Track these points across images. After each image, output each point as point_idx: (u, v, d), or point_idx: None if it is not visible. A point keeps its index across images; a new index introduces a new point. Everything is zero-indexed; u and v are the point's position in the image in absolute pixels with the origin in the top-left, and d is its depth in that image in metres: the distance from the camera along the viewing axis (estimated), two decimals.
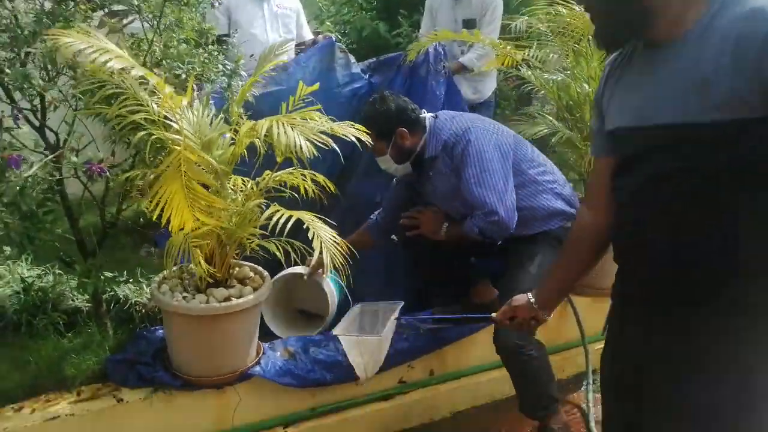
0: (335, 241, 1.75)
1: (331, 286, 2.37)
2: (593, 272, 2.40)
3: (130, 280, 2.17)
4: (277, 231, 1.71)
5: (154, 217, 1.49)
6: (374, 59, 2.90)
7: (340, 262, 1.72)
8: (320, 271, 2.32)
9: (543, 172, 2.26)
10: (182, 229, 1.60)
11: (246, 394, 1.99)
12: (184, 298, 1.86)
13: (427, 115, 2.27)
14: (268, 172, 1.86)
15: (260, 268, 2.06)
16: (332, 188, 1.88)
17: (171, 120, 1.53)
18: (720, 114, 0.97)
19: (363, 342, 1.87)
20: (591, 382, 2.51)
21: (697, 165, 1.04)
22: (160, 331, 2.06)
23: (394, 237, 2.59)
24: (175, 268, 1.87)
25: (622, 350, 1.27)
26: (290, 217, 1.71)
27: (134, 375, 1.89)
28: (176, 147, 1.54)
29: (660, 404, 1.15)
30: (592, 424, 2.28)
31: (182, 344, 1.90)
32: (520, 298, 1.53)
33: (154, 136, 1.50)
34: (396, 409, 2.25)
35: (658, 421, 1.16)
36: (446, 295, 2.40)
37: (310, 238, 1.68)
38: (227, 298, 1.87)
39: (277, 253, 1.88)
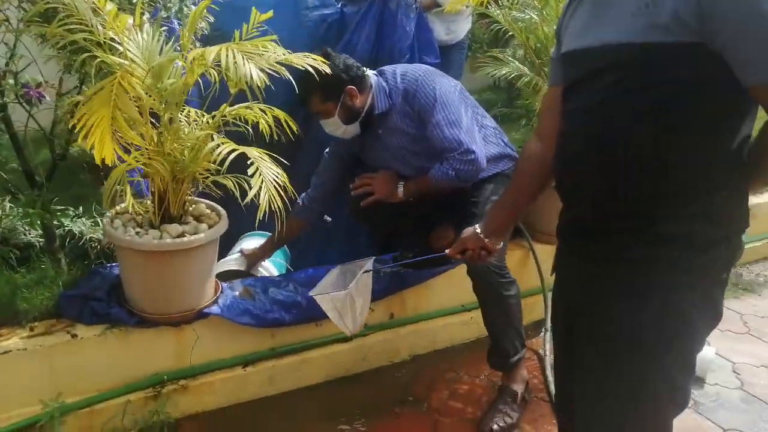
0: (278, 182, 1.68)
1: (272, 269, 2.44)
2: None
3: (84, 216, 2.11)
4: (224, 166, 1.65)
5: (80, 144, 1.41)
6: None
7: (277, 206, 1.66)
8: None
9: (485, 116, 2.29)
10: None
11: (204, 333, 1.98)
12: (137, 233, 1.81)
13: (369, 73, 2.19)
14: (224, 105, 1.79)
15: (217, 206, 2.01)
16: (293, 126, 1.83)
17: (117, 42, 1.45)
18: (662, 36, 0.97)
19: (335, 299, 1.82)
20: (548, 328, 2.55)
21: (639, 85, 1.03)
22: (116, 268, 2.02)
23: (327, 218, 2.58)
24: (127, 203, 1.81)
25: (560, 288, 1.27)
26: (233, 150, 1.65)
27: (88, 311, 1.86)
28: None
29: (586, 336, 1.17)
30: (549, 370, 2.32)
31: (136, 281, 1.87)
32: (467, 230, 1.56)
33: (98, 60, 1.42)
34: (356, 351, 2.26)
35: (585, 355, 1.17)
36: (407, 244, 2.39)
37: (250, 174, 1.61)
38: (181, 235, 1.83)
39: (233, 189, 1.83)
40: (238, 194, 1.77)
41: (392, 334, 2.34)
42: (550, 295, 2.57)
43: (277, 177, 1.63)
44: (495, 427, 1.98)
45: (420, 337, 2.40)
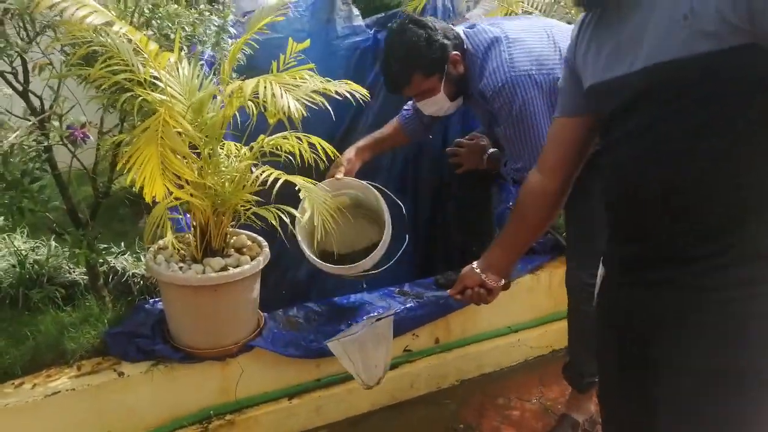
0: (327, 205, 1.68)
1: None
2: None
3: (126, 252, 2.12)
4: (272, 197, 1.64)
5: (127, 182, 1.42)
6: (382, 14, 2.79)
7: (331, 226, 1.65)
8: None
9: None
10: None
11: (248, 366, 1.95)
12: (180, 268, 1.80)
13: (459, 28, 1.88)
14: (262, 136, 1.78)
15: (258, 237, 2.00)
16: (330, 151, 1.81)
17: (158, 80, 1.46)
18: (710, 44, 0.89)
19: (345, 344, 1.73)
20: None
21: (694, 101, 0.95)
22: (159, 303, 2.01)
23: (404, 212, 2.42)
24: (167, 239, 1.81)
25: (620, 320, 1.17)
26: (278, 178, 1.64)
27: (133, 348, 1.85)
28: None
29: (673, 370, 1.08)
30: None
31: (180, 316, 1.85)
32: (465, 268, 1.50)
33: (140, 98, 1.42)
34: (402, 378, 2.20)
35: (677, 388, 1.08)
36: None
37: (302, 198, 1.60)
38: (224, 268, 1.81)
39: (273, 222, 1.81)
40: (277, 224, 1.75)
41: (438, 359, 2.28)
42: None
43: (326, 201, 1.62)
44: None
45: (467, 361, 2.33)
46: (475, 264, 1.46)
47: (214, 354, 1.87)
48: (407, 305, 2.18)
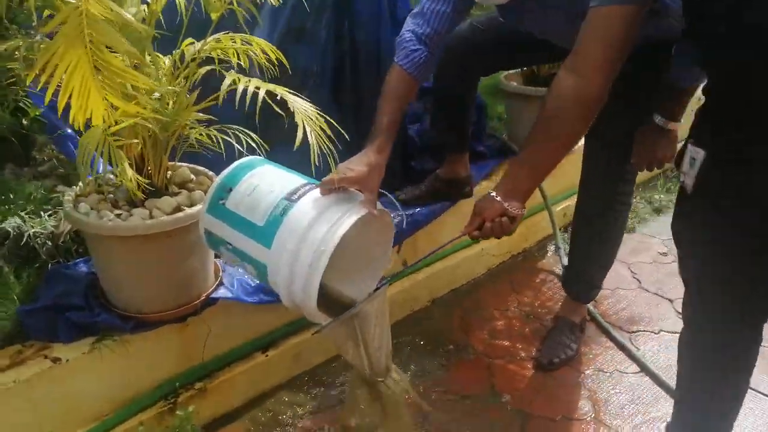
0: (313, 116, 1.36)
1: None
2: None
3: (26, 209, 1.64)
4: (245, 110, 1.27)
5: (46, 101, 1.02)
6: None
7: (325, 143, 1.34)
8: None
9: None
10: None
11: (214, 323, 1.63)
12: (118, 216, 1.40)
13: None
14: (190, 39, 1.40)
15: (200, 168, 1.63)
16: (284, 62, 1.45)
17: None
18: None
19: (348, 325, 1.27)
20: (560, 245, 2.44)
21: None
22: (83, 265, 1.59)
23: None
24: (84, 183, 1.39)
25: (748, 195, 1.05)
26: (257, 88, 1.28)
27: (65, 325, 1.44)
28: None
29: None
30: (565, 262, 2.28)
31: (124, 275, 1.46)
32: (480, 199, 1.30)
33: None
34: None
35: None
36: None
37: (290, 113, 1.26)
38: (176, 209, 1.44)
39: (236, 145, 1.45)
40: (244, 149, 1.41)
41: (409, 281, 2.11)
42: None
43: (313, 110, 1.30)
44: (556, 360, 1.84)
45: (437, 279, 2.19)
46: (493, 192, 1.26)
47: (174, 315, 1.52)
48: None
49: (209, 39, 1.43)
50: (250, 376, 1.72)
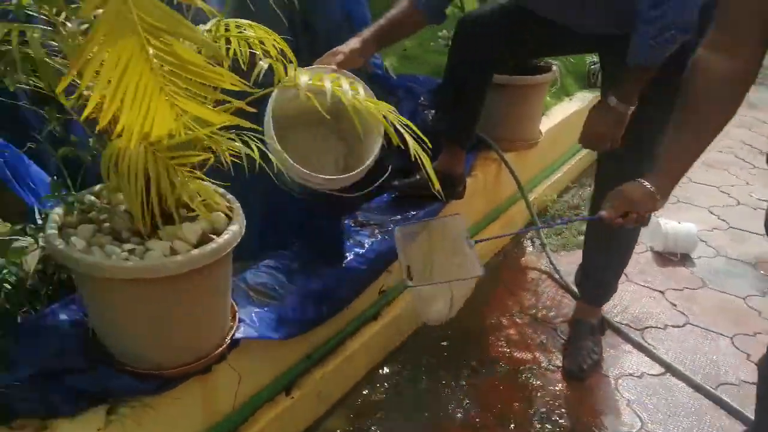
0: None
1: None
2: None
3: None
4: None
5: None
6: None
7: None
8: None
9: None
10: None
11: (241, 368, 1.38)
12: (131, 251, 1.11)
13: None
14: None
15: (205, 183, 1.36)
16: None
17: None
18: None
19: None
20: (544, 240, 2.41)
21: None
22: (61, 312, 1.27)
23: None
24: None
25: None
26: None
27: (65, 394, 1.13)
28: None
29: None
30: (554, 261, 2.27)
31: (142, 325, 1.17)
32: (633, 188, 1.21)
33: None
34: (389, 326, 1.85)
35: None
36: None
37: None
38: (202, 236, 1.18)
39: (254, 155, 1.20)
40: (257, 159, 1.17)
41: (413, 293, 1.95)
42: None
43: None
44: (585, 366, 1.78)
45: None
46: (649, 185, 1.17)
47: (202, 365, 1.25)
48: (375, 240, 1.78)
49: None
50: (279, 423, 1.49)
